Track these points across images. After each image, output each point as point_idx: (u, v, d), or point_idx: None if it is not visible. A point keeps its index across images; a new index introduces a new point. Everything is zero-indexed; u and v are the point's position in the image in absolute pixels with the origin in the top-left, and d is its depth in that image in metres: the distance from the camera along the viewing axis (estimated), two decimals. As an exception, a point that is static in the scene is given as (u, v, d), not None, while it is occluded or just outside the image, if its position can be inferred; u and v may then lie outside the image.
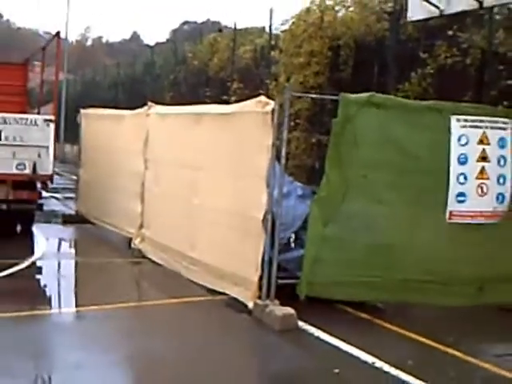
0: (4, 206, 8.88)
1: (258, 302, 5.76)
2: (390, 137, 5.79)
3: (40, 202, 9.39)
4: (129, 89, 21.02)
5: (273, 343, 5.35)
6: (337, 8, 11.13)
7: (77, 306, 6.40)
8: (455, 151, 5.79)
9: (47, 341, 5.31)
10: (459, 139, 5.79)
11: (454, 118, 5.79)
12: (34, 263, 7.85)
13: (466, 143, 5.80)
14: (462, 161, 5.80)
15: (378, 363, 4.76)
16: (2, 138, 8.75)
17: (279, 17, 17.45)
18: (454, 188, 5.77)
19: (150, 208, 8.43)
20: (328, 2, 11.09)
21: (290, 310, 5.58)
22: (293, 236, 6.34)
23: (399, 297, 5.91)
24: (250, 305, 5.85)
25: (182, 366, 4.73)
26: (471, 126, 5.82)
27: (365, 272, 5.76)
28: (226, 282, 6.34)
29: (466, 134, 5.80)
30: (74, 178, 12.50)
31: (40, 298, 6.59)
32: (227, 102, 10.81)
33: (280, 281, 5.74)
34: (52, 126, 8.93)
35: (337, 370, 4.65)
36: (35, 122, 8.92)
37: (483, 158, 5.82)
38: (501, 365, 4.88)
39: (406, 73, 9.01)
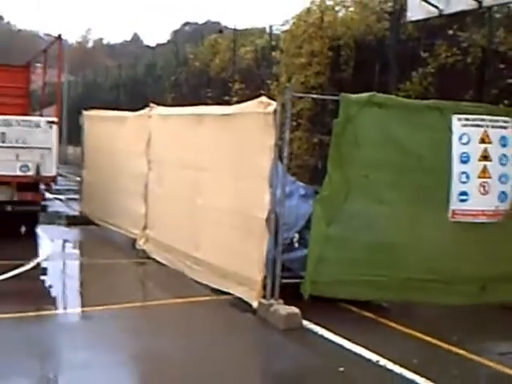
0: (8, 208, 8.94)
1: (263, 301, 5.80)
2: (391, 136, 5.82)
3: (44, 203, 9.44)
4: (130, 90, 21.06)
5: (277, 342, 5.38)
6: (337, 8, 11.16)
7: (83, 306, 6.44)
8: (457, 150, 5.82)
9: (54, 341, 5.36)
10: (460, 138, 5.82)
11: (455, 117, 5.82)
12: (39, 264, 7.90)
13: (468, 142, 5.83)
14: (464, 160, 5.83)
15: (382, 361, 4.80)
16: (6, 140, 8.80)
17: (279, 17, 17.49)
18: (456, 187, 5.80)
19: (153, 209, 8.48)
20: (328, 3, 11.13)
21: (294, 309, 5.62)
22: (296, 236, 6.38)
23: (402, 296, 5.94)
24: (255, 304, 5.89)
25: (188, 366, 4.77)
26: (472, 125, 5.85)
27: (368, 271, 5.79)
28: (230, 282, 6.38)
29: (467, 132, 5.83)
30: (78, 179, 12.55)
31: (46, 298, 6.63)
32: (229, 103, 10.87)
33: (284, 280, 5.78)
34: (55, 127, 8.98)
35: (341, 369, 4.69)
36: (38, 124, 8.98)
37: (485, 156, 5.85)
38: (504, 363, 4.91)
39: (407, 72, 9.05)
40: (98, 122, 10.94)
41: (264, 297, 5.82)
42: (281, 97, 6.40)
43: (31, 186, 9.00)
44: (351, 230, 5.82)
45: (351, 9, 11.04)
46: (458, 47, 8.45)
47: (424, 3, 7.28)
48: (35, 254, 8.33)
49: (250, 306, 5.93)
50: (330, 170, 5.80)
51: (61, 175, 10.79)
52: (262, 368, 5.16)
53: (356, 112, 5.72)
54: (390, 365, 4.74)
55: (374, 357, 4.88)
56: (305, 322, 5.59)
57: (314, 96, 9.81)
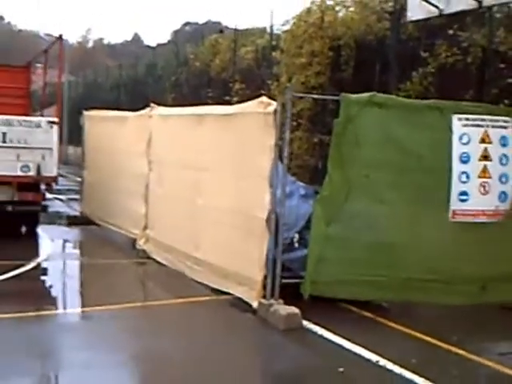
0: (9, 208, 8.96)
1: (263, 301, 5.81)
2: (391, 136, 5.83)
3: (45, 203, 9.46)
4: (131, 90, 21.08)
5: (277, 342, 5.38)
6: (337, 8, 11.16)
7: (83, 306, 6.45)
8: (457, 150, 5.82)
9: (54, 341, 5.36)
10: (461, 138, 5.83)
11: (455, 117, 5.82)
12: (39, 264, 7.91)
13: (468, 142, 5.84)
14: (464, 159, 5.83)
15: (382, 361, 4.80)
16: (7, 140, 8.82)
17: (280, 17, 17.49)
18: (456, 187, 5.80)
19: (154, 209, 8.48)
20: (328, 2, 11.14)
21: (294, 310, 5.62)
22: (296, 236, 6.38)
23: (402, 296, 5.94)
24: (255, 304, 5.90)
25: (189, 366, 4.78)
26: (472, 125, 5.85)
27: (368, 271, 5.79)
28: (231, 282, 6.38)
29: (467, 132, 5.83)
30: (78, 179, 12.56)
31: (46, 298, 6.64)
32: (229, 103, 10.86)
33: (284, 280, 5.79)
34: (56, 127, 9.00)
35: (341, 369, 4.69)
36: (39, 124, 8.99)
37: (485, 156, 5.86)
38: (504, 363, 4.91)
39: (408, 72, 9.05)
40: (98, 122, 10.95)
41: (264, 297, 5.83)
42: (281, 97, 6.41)
43: (32, 186, 9.02)
44: (351, 229, 5.82)
45: (351, 9, 11.04)
46: (458, 47, 8.45)
47: (424, 3, 7.28)
48: (36, 254, 8.34)
49: (250, 306, 5.94)
50: (330, 170, 5.81)
51: (61, 175, 10.80)
52: (261, 368, 5.16)
53: (356, 112, 5.72)
54: (389, 365, 4.74)
55: (373, 357, 4.88)
56: (305, 322, 5.60)
57: (315, 96, 9.81)
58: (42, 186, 9.22)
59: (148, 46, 37.15)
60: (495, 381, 4.87)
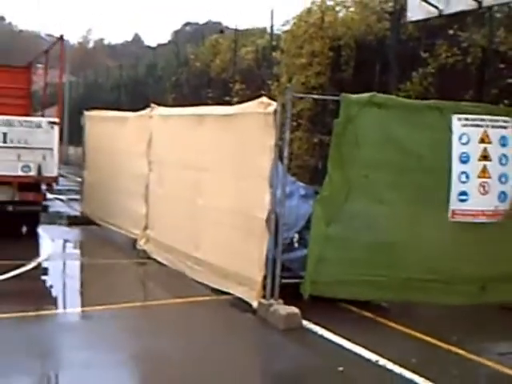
0: (10, 208, 8.98)
1: (263, 301, 5.82)
2: (391, 136, 5.84)
3: (45, 203, 9.47)
4: (131, 91, 21.09)
5: (277, 342, 5.39)
6: (337, 8, 11.17)
7: (83, 306, 6.45)
8: (457, 150, 5.82)
9: (54, 340, 5.37)
10: (460, 138, 5.83)
11: (454, 117, 5.83)
12: (40, 264, 7.92)
13: (468, 142, 5.84)
14: (464, 159, 5.84)
15: (382, 361, 4.80)
16: (7, 140, 8.84)
17: (280, 17, 17.49)
18: (456, 187, 5.80)
19: (154, 209, 8.49)
20: (329, 3, 11.15)
21: (294, 309, 5.63)
22: (296, 236, 6.39)
23: (402, 296, 5.94)
24: (255, 304, 5.90)
25: (188, 366, 4.78)
26: (472, 125, 5.86)
27: (368, 271, 5.80)
28: (231, 282, 6.39)
29: (467, 132, 5.84)
30: (79, 179, 12.57)
31: (47, 298, 6.65)
32: (229, 103, 10.88)
33: (284, 280, 5.79)
34: (56, 128, 9.01)
35: (341, 368, 4.69)
36: (40, 124, 9.01)
37: (485, 156, 5.86)
38: (503, 363, 4.91)
39: (408, 72, 9.06)
40: (99, 123, 10.96)
41: (264, 297, 5.83)
42: (281, 97, 6.41)
43: (32, 186, 9.03)
44: (351, 230, 5.83)
45: (352, 9, 11.05)
46: (458, 47, 8.46)
47: (424, 3, 7.29)
48: (36, 254, 8.35)
49: (250, 305, 5.95)
50: (330, 170, 5.81)
51: (62, 175, 10.81)
52: (261, 368, 5.17)
53: (356, 112, 5.73)
54: (389, 365, 4.75)
55: (373, 357, 4.89)
56: (305, 322, 5.60)
57: (315, 96, 9.82)
58: (43, 186, 9.23)
59: (148, 47, 37.17)
60: (495, 381, 4.87)
